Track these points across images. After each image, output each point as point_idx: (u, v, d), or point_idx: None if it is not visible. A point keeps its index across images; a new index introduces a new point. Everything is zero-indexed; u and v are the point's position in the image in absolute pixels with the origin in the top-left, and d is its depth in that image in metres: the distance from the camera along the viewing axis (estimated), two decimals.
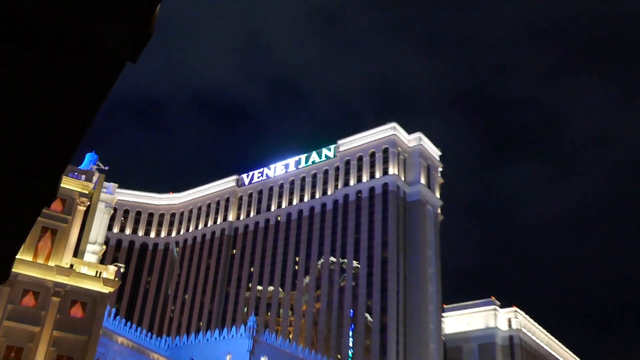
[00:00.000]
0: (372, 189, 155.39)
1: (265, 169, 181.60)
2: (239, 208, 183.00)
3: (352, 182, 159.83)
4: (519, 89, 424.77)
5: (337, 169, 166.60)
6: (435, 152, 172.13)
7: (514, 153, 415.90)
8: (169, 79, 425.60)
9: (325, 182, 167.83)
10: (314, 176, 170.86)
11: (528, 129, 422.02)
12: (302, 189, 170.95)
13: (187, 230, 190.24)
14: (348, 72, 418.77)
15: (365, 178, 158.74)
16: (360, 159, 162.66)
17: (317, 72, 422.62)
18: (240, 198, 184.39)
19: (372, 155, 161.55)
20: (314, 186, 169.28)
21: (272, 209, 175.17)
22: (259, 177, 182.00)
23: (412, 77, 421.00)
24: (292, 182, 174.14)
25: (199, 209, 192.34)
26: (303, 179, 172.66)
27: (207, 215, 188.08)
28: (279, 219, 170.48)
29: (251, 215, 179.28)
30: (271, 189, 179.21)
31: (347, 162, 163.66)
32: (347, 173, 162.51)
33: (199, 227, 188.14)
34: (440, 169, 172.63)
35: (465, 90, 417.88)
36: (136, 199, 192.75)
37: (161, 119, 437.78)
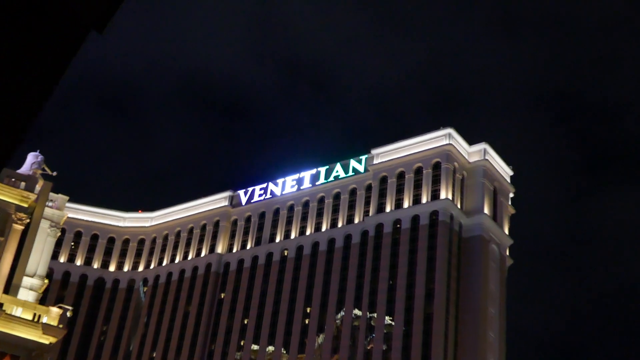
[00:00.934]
0: (415, 219, 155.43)
1: (270, 184, 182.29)
2: (232, 236, 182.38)
3: (388, 208, 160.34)
4: (629, 91, 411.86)
5: (369, 188, 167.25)
6: (505, 171, 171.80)
7: (617, 178, 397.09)
8: (148, 58, 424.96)
9: (351, 207, 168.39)
10: (336, 197, 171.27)
11: (638, 146, 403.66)
12: (320, 214, 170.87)
13: (160, 263, 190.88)
14: (389, 58, 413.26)
15: (406, 203, 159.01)
16: (400, 176, 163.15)
17: (347, 56, 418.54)
18: (235, 222, 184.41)
19: (418, 171, 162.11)
20: (335, 211, 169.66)
21: (277, 239, 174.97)
22: (261, 195, 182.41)
23: (477, 67, 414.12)
24: (306, 204, 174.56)
25: (178, 235, 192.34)
26: (321, 201, 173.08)
27: (189, 245, 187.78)
28: (285, 254, 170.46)
29: (248, 246, 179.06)
30: (277, 212, 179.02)
31: (383, 180, 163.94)
32: (382, 195, 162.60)
33: (177, 260, 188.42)
34: (511, 195, 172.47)
35: (552, 89, 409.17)
36: (93, 217, 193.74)
37: (134, 111, 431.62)
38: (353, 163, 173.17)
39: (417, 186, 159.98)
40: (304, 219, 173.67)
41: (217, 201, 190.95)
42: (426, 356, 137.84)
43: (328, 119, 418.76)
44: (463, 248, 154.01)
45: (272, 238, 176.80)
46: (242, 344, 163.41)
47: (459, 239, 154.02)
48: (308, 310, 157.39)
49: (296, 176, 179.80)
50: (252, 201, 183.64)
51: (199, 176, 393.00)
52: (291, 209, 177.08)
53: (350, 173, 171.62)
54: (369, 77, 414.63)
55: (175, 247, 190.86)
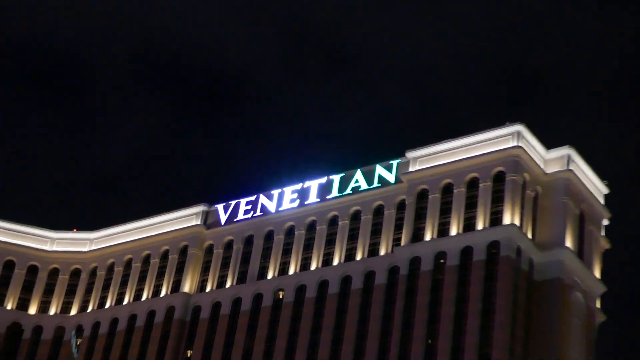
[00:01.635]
0: (466, 252, 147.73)
1: (261, 196, 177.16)
2: (206, 269, 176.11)
3: (428, 235, 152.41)
4: None
5: (401, 206, 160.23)
6: (597, 188, 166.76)
7: None
8: (96, 18, 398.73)
9: (375, 232, 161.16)
10: (355, 217, 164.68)
11: None
12: (330, 242, 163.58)
13: (102, 305, 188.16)
14: (434, 26, 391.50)
15: (454, 229, 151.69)
16: (447, 190, 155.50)
17: (374, 21, 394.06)
18: (209, 250, 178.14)
19: (472, 185, 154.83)
20: (353, 237, 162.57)
21: (270, 275, 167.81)
22: (248, 212, 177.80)
23: (558, 42, 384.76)
24: (312, 227, 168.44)
25: (128, 265, 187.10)
26: (333, 222, 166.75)
27: (143, 280, 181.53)
28: (280, 297, 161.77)
29: (227, 284, 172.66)
30: (270, 236, 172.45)
31: (422, 196, 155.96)
32: (419, 217, 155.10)
33: (125, 302, 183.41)
34: (605, 222, 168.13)
35: None
36: (7, 237, 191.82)
37: (72, 93, 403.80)
38: (380, 170, 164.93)
39: (471, 206, 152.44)
40: (308, 247, 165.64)
41: (185, 219, 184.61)
42: None
43: (346, 108, 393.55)
44: (534, 297, 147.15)
45: (262, 274, 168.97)
46: None
47: (529, 284, 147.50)
48: None
49: (298, 186, 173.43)
50: (235, 220, 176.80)
51: (161, 183, 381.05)
52: (290, 232, 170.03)
53: (376, 184, 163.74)
54: (403, 52, 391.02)
55: (124, 283, 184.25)
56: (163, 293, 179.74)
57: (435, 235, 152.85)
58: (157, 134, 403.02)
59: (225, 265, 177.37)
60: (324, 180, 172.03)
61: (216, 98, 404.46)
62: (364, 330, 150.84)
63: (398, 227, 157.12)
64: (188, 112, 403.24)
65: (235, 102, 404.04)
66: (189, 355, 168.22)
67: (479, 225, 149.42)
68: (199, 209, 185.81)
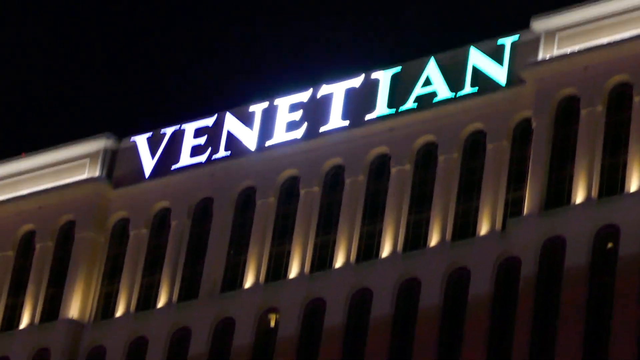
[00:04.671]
0: None
1: (228, 116, 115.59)
2: (112, 274, 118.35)
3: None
4: None
5: (524, 133, 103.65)
6: None
7: None
8: None
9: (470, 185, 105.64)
10: (427, 158, 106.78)
11: None
12: (373, 208, 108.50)
13: None
14: None
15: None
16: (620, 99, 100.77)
17: None
18: (119, 233, 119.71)
19: None
20: (420, 202, 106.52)
21: (249, 281, 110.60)
22: (198, 152, 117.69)
23: None
24: (335, 181, 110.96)
25: None
26: (381, 170, 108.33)
27: None
28: (271, 323, 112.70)
29: (159, 303, 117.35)
30: (247, 200, 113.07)
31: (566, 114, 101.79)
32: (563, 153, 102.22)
33: None
34: None
35: None
36: None
37: None
38: (476, 59, 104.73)
39: None
40: (328, 224, 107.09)
41: (68, 169, 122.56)
42: None
43: None
44: None
45: (232, 279, 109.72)
46: None
47: None
48: None
49: (307, 93, 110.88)
50: (173, 168, 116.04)
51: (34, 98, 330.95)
52: (290, 191, 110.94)
53: (467, 89, 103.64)
54: None
55: None
56: (24, 323, 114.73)
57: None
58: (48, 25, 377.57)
59: (153, 264, 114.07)
60: (358, 79, 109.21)
61: None
62: None
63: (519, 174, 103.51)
64: None
65: None
66: None
67: None
68: (97, 145, 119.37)
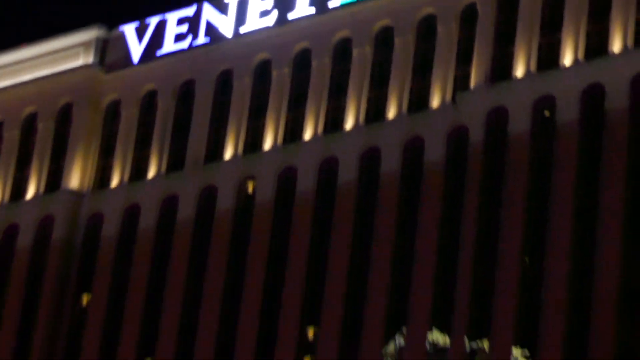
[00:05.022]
0: None
1: (206, 6, 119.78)
2: (107, 149, 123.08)
3: None
4: None
5: None
6: None
7: None
8: None
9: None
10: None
11: None
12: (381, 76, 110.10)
13: None
14: None
15: None
16: None
17: None
18: (112, 111, 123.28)
19: None
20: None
21: (227, 153, 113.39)
22: (181, 39, 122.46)
23: None
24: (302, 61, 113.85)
25: None
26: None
27: None
28: (249, 190, 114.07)
29: (150, 173, 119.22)
30: (225, 80, 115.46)
31: None
32: None
33: None
34: None
35: None
36: None
37: None
38: None
39: None
40: (297, 101, 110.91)
41: (64, 56, 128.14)
42: None
43: None
44: None
45: (214, 151, 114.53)
46: None
47: None
48: (310, 335, 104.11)
49: None
50: (158, 54, 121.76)
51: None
52: (263, 73, 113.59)
53: None
54: None
55: None
56: (30, 194, 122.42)
57: None
58: None
59: (144, 139, 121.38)
60: None
61: None
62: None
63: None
64: None
65: None
66: (84, 303, 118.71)
67: None
68: (90, 35, 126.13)
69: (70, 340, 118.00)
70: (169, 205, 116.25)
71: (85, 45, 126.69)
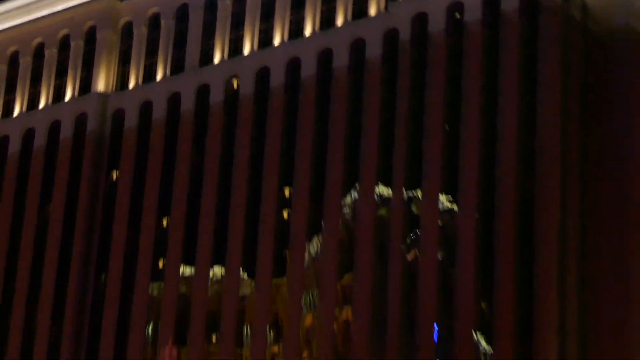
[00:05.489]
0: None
1: None
2: (125, 59, 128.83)
3: None
4: None
5: None
6: None
7: None
8: None
9: None
10: None
11: None
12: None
13: None
14: None
15: None
16: None
17: None
18: (127, 30, 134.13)
19: None
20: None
21: (217, 58, 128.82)
22: None
23: None
24: None
25: (12, 62, 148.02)
26: None
27: (37, 80, 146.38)
28: (234, 86, 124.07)
29: (158, 76, 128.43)
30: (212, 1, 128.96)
31: None
32: None
33: (15, 113, 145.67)
34: None
35: None
36: None
37: None
38: None
39: None
40: (268, 16, 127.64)
41: None
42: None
43: None
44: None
45: (206, 57, 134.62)
46: (159, 265, 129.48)
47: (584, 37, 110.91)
48: (286, 193, 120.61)
49: None
50: None
51: None
52: None
53: None
54: None
55: (10, 89, 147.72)
56: (68, 96, 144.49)
57: None
58: None
59: (152, 50, 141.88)
60: None
61: None
62: (354, 115, 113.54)
63: None
64: None
65: None
66: (114, 179, 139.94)
67: None
68: None
69: (105, 205, 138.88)
70: (174, 101, 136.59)
71: None
